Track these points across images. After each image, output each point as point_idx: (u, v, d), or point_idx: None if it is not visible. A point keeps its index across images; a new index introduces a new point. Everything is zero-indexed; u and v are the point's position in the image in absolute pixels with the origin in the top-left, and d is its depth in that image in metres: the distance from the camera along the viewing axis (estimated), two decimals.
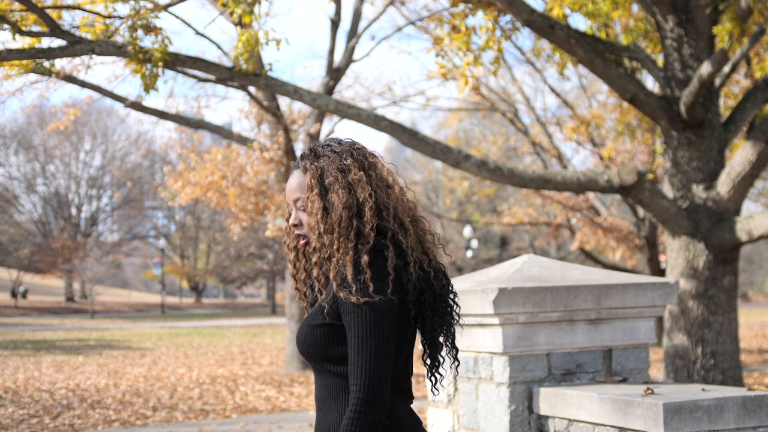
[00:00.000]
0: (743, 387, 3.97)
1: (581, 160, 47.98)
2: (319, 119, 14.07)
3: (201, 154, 15.02)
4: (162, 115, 11.60)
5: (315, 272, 2.17)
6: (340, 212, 2.11)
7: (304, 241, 2.22)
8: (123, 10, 9.05)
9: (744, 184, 7.54)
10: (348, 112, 8.10)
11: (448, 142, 21.82)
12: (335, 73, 14.52)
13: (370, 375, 2.02)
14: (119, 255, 47.86)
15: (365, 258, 2.05)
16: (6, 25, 6.75)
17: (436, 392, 2.29)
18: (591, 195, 16.63)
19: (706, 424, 3.16)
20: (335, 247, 2.10)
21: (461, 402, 4.00)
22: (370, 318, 2.03)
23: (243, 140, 13.11)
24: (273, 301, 49.49)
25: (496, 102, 18.43)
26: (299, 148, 14.55)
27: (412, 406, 2.24)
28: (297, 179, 2.21)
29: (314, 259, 2.17)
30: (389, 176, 2.20)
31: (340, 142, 2.23)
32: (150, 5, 7.37)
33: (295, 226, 2.23)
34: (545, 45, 10.36)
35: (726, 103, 11.17)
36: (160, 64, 7.29)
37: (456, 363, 2.25)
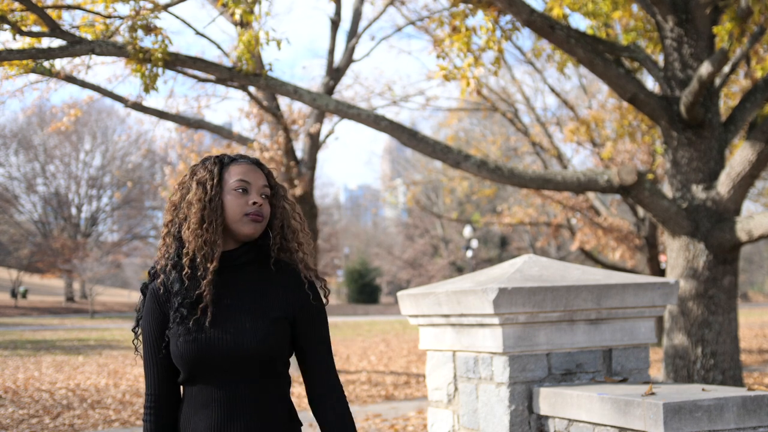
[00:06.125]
0: (743, 387, 3.97)
1: (581, 160, 47.98)
2: (319, 119, 14.06)
3: (201, 154, 15.02)
4: (162, 115, 11.59)
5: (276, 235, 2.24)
6: (301, 222, 2.30)
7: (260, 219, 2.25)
8: (123, 10, 9.06)
9: (744, 184, 7.54)
10: (348, 112, 8.10)
11: (448, 142, 21.81)
12: (335, 73, 14.52)
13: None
14: (119, 255, 47.80)
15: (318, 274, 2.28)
16: (6, 25, 6.75)
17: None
18: (591, 195, 16.62)
19: (706, 424, 3.16)
20: (299, 242, 2.25)
21: (461, 402, 4.00)
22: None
23: (243, 140, 13.11)
24: None
25: (497, 102, 18.42)
26: (299, 148, 14.55)
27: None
28: (263, 175, 2.27)
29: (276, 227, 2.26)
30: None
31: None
32: (150, 5, 7.37)
33: (258, 204, 2.20)
34: (545, 45, 10.36)
35: (726, 103, 11.17)
36: (160, 64, 7.29)
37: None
